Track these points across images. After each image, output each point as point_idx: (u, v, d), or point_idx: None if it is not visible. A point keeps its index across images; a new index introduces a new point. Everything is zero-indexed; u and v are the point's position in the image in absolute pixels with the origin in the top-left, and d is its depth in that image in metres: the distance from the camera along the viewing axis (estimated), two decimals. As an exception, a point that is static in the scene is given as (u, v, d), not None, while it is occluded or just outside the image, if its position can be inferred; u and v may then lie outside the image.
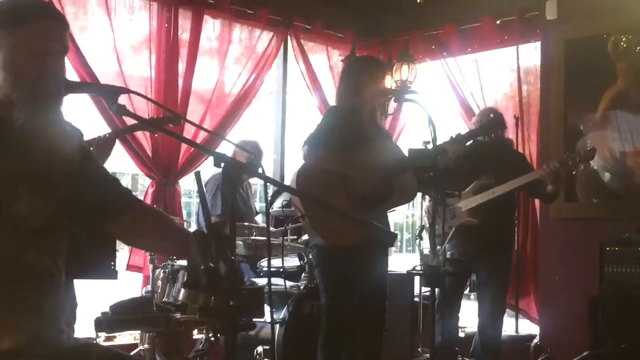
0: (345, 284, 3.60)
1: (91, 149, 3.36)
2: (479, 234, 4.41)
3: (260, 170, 1.95)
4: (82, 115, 5.15)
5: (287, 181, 6.37)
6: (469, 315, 5.04)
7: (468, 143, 4.28)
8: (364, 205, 3.53)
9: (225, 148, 6.11)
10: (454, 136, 3.70)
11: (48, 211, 1.89)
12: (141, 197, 6.16)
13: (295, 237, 4.95)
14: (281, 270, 4.71)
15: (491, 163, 4.52)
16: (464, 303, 4.87)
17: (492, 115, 4.64)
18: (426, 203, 4.70)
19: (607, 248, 4.32)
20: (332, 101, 6.45)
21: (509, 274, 4.69)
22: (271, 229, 5.16)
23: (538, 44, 5.74)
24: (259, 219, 5.79)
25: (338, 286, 3.62)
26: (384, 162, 3.60)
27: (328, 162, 3.57)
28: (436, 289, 4.00)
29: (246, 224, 5.36)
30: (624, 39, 5.00)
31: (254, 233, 5.22)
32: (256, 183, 6.22)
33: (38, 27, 1.87)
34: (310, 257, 4.30)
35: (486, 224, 4.39)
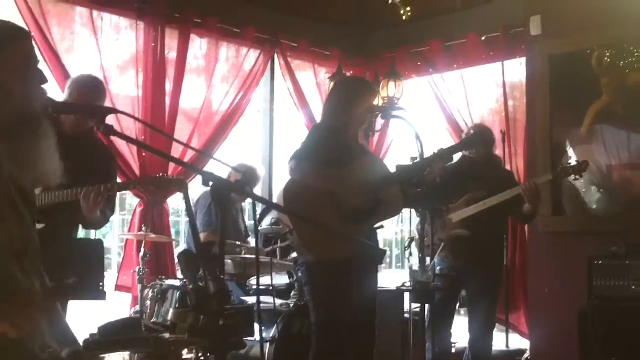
0: (335, 301, 3.59)
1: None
2: (469, 247, 4.42)
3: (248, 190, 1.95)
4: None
5: (276, 199, 6.40)
6: (459, 331, 5.03)
7: (457, 158, 4.31)
8: (351, 220, 3.54)
9: (214, 167, 6.11)
10: (436, 151, 3.72)
11: (28, 232, 1.89)
12: (129, 217, 6.15)
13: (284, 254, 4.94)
14: (271, 288, 4.71)
15: (482, 178, 4.54)
16: (456, 319, 4.87)
17: (474, 130, 4.70)
18: (417, 219, 4.71)
19: (596, 262, 4.33)
20: (319, 118, 6.47)
21: (499, 288, 4.70)
22: (260, 247, 5.15)
23: (523, 59, 5.77)
24: (252, 241, 5.77)
25: (328, 304, 3.61)
26: (369, 177, 3.62)
27: (314, 177, 3.58)
28: (427, 305, 3.99)
29: (237, 242, 5.34)
30: (607, 54, 5.04)
31: (243, 252, 5.21)
32: (245, 202, 6.20)
33: (21, 48, 1.90)
34: (300, 274, 4.30)
35: (477, 237, 4.41)
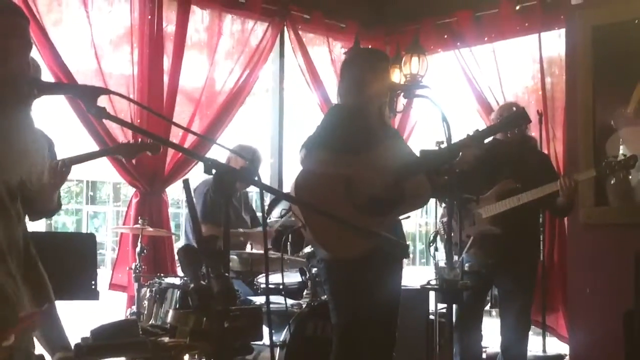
0: (356, 301, 3.61)
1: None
2: (501, 244, 4.40)
3: (255, 178, 1.95)
4: (57, 120, 5.18)
5: (286, 188, 6.41)
6: (490, 334, 5.03)
7: (487, 141, 4.28)
8: (371, 212, 3.54)
9: (217, 153, 6.12)
10: (471, 133, 3.69)
11: (12, 231, 1.91)
12: (124, 208, 6.18)
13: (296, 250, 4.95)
14: (281, 287, 4.72)
15: (514, 165, 4.51)
16: (485, 320, 4.87)
17: (514, 108, 4.64)
18: (442, 209, 4.70)
19: (643, 257, 4.32)
20: (334, 98, 6.46)
21: (534, 287, 4.69)
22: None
23: (562, 31, 5.74)
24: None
25: (349, 304, 3.62)
26: (393, 164, 3.60)
27: (330, 165, 3.58)
28: (454, 305, 3.99)
29: (241, 230, 5.34)
30: (657, 24, 5.00)
31: (249, 245, 5.21)
32: (252, 191, 6.22)
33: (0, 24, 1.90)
34: (316, 271, 4.31)
35: (510, 233, 4.38)
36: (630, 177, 5.08)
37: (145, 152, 3.82)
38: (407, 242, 3.92)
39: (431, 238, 4.47)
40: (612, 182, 5.12)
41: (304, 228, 3.57)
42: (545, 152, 5.62)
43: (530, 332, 4.77)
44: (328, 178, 3.55)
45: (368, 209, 3.54)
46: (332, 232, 3.42)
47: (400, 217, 3.81)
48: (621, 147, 5.10)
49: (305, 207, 3.40)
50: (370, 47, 6.73)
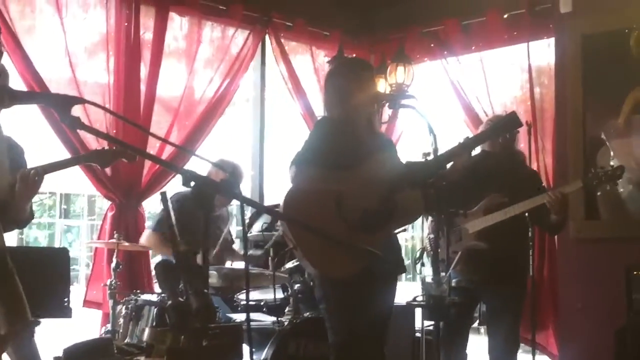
0: (354, 318, 3.61)
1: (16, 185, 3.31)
2: (488, 260, 4.40)
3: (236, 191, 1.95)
4: (30, 130, 5.15)
5: (267, 201, 6.40)
6: (479, 352, 5.03)
7: (474, 153, 4.29)
8: (364, 228, 3.53)
9: (197, 165, 6.09)
10: (462, 141, 3.68)
11: None
12: (99, 222, 6.14)
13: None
14: (262, 304, 4.70)
15: (502, 178, 4.52)
16: (474, 338, 4.87)
17: (494, 120, 4.66)
18: (428, 223, 4.70)
19: (635, 272, 4.33)
20: (317, 108, 6.48)
21: (522, 305, 4.69)
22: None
23: (551, 40, 5.78)
24: (236, 247, 5.77)
25: (347, 321, 3.63)
26: (384, 178, 3.60)
27: (319, 183, 3.57)
28: (441, 322, 3.99)
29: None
30: (648, 33, 5.05)
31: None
32: (233, 204, 6.19)
33: None
34: (299, 287, 4.30)
35: (497, 249, 4.39)
36: (621, 189, 5.11)
37: (121, 159, 3.80)
38: (402, 259, 3.92)
39: (417, 255, 4.48)
40: (600, 194, 5.15)
41: (295, 249, 3.56)
42: (535, 163, 5.65)
43: (520, 350, 4.77)
44: (318, 196, 3.54)
45: (360, 225, 3.53)
46: (324, 252, 3.42)
47: (396, 232, 3.81)
48: (612, 160, 5.13)
49: (292, 224, 3.40)
50: (354, 56, 6.75)
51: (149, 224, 5.37)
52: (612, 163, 5.03)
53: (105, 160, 3.80)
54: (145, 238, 5.23)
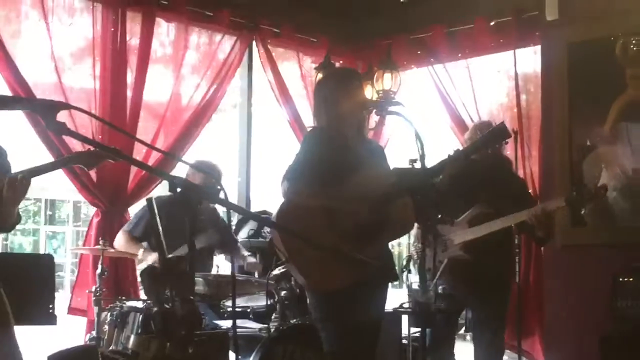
0: (348, 328, 3.61)
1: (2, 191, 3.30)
2: (472, 271, 4.41)
3: (222, 196, 1.94)
4: (14, 135, 5.12)
5: (254, 207, 6.39)
6: (465, 358, 5.04)
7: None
8: (358, 241, 3.53)
9: (182, 170, 6.07)
10: (452, 153, 3.69)
11: None
12: (84, 228, 6.12)
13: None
14: (248, 310, 4.69)
15: (489, 188, 4.53)
16: (460, 345, 4.88)
17: (482, 128, 4.66)
18: (414, 230, 4.70)
19: (621, 279, 4.35)
20: (304, 114, 6.48)
21: (506, 313, 4.71)
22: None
23: (538, 47, 5.81)
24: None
25: (341, 331, 3.63)
26: (375, 189, 3.60)
27: (312, 197, 3.57)
28: (427, 329, 4.00)
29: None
30: (634, 41, 5.07)
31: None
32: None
33: None
34: (285, 294, 4.30)
35: (481, 260, 4.40)
36: (607, 197, 5.13)
37: (107, 160, 3.76)
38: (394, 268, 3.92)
39: (404, 263, 4.48)
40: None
41: (287, 261, 3.56)
42: (521, 171, 5.66)
43: (506, 357, 4.79)
44: (311, 211, 3.54)
45: (354, 238, 3.53)
46: (316, 264, 3.42)
47: (387, 243, 3.81)
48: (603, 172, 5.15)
49: (285, 236, 3.40)
50: (341, 63, 6.77)
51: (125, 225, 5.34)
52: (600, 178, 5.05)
53: (91, 161, 3.78)
54: (116, 239, 5.21)
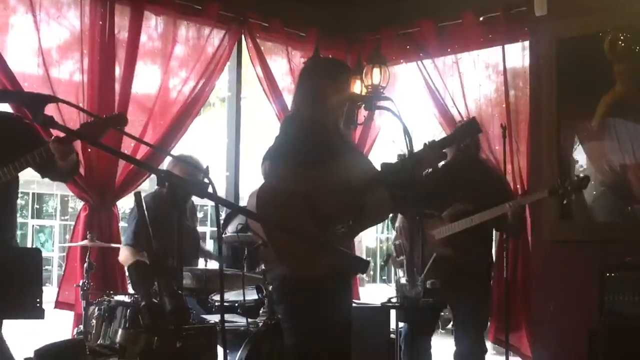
0: (315, 320, 3.59)
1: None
2: (450, 267, 4.44)
3: (210, 190, 1.94)
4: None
5: (243, 202, 6.38)
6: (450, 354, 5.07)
7: (441, 164, 4.35)
8: (333, 228, 3.54)
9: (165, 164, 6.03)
10: (427, 143, 3.72)
11: None
12: (72, 222, 6.11)
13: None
14: (236, 305, 4.69)
15: (466, 186, 4.60)
16: (447, 341, 4.90)
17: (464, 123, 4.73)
18: (398, 222, 4.73)
19: (608, 274, 4.37)
20: (293, 109, 6.47)
21: (487, 311, 4.76)
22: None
23: (526, 43, 5.82)
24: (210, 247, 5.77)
25: (308, 324, 3.60)
26: (353, 179, 3.61)
27: (292, 180, 3.57)
28: (404, 324, 4.03)
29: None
30: (622, 37, 5.10)
31: None
32: (207, 204, 6.17)
33: None
34: (271, 289, 4.29)
35: (460, 254, 4.45)
36: (594, 192, 5.16)
37: (111, 128, 3.73)
38: (368, 259, 3.93)
39: (383, 261, 4.52)
40: (578, 196, 5.19)
41: (265, 245, 3.55)
42: (509, 165, 5.68)
43: (493, 352, 4.82)
44: (290, 194, 3.54)
45: (329, 224, 3.54)
46: (295, 250, 3.41)
47: (359, 233, 3.82)
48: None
49: (266, 224, 3.39)
50: (330, 56, 6.76)
51: (123, 238, 5.28)
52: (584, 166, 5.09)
53: (96, 132, 3.75)
54: (122, 254, 5.15)
